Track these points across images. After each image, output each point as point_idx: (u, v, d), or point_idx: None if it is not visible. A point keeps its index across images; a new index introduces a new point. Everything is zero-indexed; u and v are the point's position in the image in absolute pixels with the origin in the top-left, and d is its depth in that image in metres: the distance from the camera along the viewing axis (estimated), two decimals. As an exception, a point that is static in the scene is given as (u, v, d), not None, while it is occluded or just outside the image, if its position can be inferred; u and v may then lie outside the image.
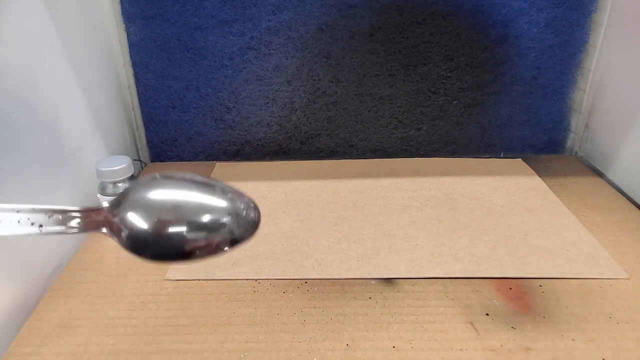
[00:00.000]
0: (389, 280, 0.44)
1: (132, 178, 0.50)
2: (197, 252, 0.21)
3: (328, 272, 0.45)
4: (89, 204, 0.53)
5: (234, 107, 0.67)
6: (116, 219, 0.21)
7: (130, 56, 0.64)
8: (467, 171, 0.65)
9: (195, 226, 0.21)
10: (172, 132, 0.69)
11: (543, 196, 0.58)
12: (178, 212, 0.21)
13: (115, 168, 0.48)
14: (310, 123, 0.68)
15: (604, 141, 0.64)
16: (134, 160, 0.65)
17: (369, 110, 0.68)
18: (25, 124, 0.44)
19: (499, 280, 0.44)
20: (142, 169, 0.70)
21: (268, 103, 0.67)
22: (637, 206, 0.55)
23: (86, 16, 0.57)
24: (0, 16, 0.41)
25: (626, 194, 0.58)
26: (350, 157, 0.71)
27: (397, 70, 0.65)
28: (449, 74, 0.65)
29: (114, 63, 0.64)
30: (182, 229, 0.21)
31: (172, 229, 0.21)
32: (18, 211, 0.20)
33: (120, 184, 0.49)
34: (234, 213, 0.22)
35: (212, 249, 0.22)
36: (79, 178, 0.52)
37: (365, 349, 0.37)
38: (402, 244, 0.49)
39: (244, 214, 0.23)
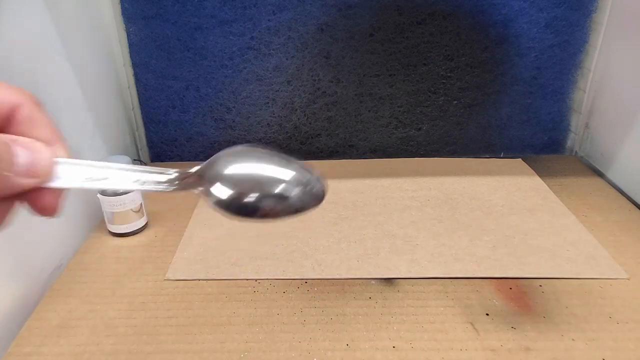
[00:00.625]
0: (389, 280, 0.44)
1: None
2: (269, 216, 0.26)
3: (328, 272, 0.45)
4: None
5: (234, 107, 0.67)
6: (203, 189, 0.26)
7: (130, 56, 0.64)
8: (467, 171, 0.65)
9: (268, 196, 0.26)
10: (172, 132, 0.69)
11: (543, 196, 0.58)
12: (254, 184, 0.26)
13: (115, 168, 0.48)
14: (310, 123, 0.68)
15: (604, 141, 0.64)
16: (134, 160, 0.65)
17: (369, 110, 0.68)
18: (25, 124, 0.44)
19: (499, 280, 0.44)
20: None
21: (268, 103, 0.67)
22: (637, 206, 0.55)
23: (86, 16, 0.57)
24: (0, 16, 0.41)
25: (626, 194, 0.58)
26: (350, 157, 0.71)
27: (397, 70, 0.65)
28: (449, 74, 0.65)
29: (114, 63, 0.64)
30: (256, 197, 0.26)
31: (248, 199, 0.25)
32: (126, 170, 0.24)
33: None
34: (302, 184, 0.27)
35: (280, 215, 0.26)
36: (79, 178, 0.52)
37: (365, 349, 0.37)
38: (402, 244, 0.49)
39: (309, 187, 0.27)
